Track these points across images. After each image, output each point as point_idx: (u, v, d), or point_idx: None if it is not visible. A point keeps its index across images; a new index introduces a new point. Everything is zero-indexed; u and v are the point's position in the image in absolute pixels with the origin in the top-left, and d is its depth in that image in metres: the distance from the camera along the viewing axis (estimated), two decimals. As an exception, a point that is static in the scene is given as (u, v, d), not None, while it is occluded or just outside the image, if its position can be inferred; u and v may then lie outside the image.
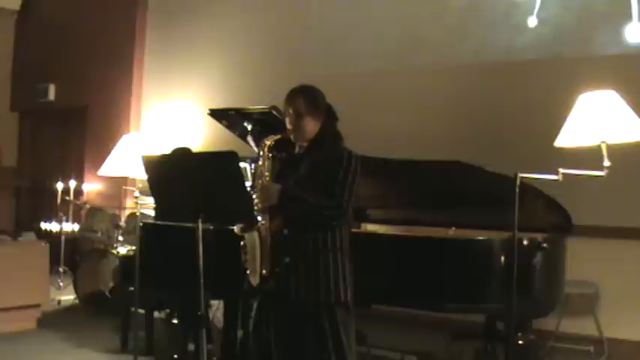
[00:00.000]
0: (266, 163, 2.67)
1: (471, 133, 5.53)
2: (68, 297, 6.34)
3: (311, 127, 2.70)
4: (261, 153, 2.69)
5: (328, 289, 2.60)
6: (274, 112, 3.78)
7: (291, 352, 2.65)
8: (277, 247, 2.61)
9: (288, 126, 2.71)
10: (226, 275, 3.12)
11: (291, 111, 2.70)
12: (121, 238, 5.88)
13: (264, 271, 2.60)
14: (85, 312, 5.88)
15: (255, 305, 2.74)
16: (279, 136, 2.74)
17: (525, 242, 3.44)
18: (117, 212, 6.56)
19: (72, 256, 7.31)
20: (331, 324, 2.60)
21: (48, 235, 7.35)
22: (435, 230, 4.00)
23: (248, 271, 2.67)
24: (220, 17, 7.28)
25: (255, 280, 2.63)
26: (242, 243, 2.68)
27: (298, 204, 2.59)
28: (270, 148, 2.70)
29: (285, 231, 2.62)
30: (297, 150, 2.78)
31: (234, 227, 2.69)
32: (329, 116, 2.76)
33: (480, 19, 5.73)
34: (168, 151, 2.93)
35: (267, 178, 2.65)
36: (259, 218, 2.62)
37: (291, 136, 2.73)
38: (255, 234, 2.61)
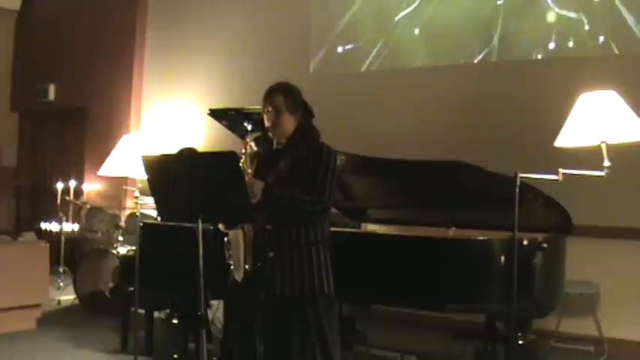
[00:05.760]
0: (247, 160, 2.71)
1: (471, 133, 5.54)
2: (68, 297, 6.34)
3: (290, 123, 2.76)
4: (243, 151, 2.72)
5: (312, 282, 2.66)
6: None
7: (276, 344, 2.69)
8: (261, 242, 2.65)
9: (267, 123, 2.76)
10: (226, 275, 3.12)
11: (270, 108, 2.75)
12: (121, 238, 5.88)
13: (247, 267, 2.64)
14: (85, 312, 5.88)
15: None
16: (258, 134, 2.79)
17: (525, 242, 3.44)
18: (117, 212, 6.56)
19: (72, 256, 7.31)
20: (314, 315, 2.65)
21: (48, 235, 7.34)
22: (435, 230, 4.00)
23: (232, 267, 2.71)
24: (220, 17, 7.28)
25: (239, 276, 2.67)
26: (226, 239, 2.71)
27: (281, 200, 2.64)
28: (252, 146, 2.75)
29: (268, 226, 2.66)
30: (274, 146, 2.82)
31: (219, 225, 2.72)
32: (305, 112, 2.81)
33: (479, 20, 5.73)
34: (174, 151, 2.93)
35: (251, 176, 2.68)
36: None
37: (270, 133, 2.78)
38: (240, 230, 2.64)
